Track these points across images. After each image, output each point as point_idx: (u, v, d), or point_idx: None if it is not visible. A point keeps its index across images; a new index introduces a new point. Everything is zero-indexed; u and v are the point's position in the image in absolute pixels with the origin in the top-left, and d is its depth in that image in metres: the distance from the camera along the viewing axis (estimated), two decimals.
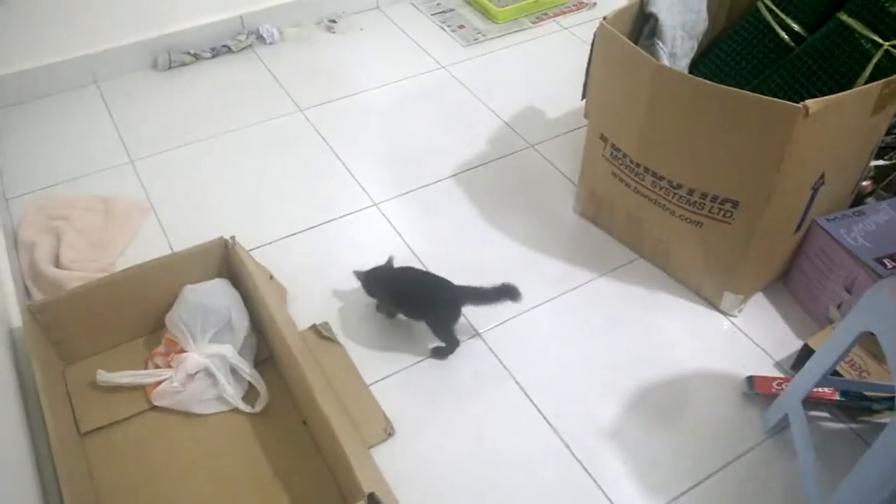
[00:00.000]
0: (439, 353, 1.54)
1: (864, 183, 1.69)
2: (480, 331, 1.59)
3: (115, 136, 2.07)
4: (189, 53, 2.32)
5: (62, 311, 1.41)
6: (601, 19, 1.53)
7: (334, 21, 2.53)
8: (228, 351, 1.40)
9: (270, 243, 1.78)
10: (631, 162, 1.58)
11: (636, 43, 1.64)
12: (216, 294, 1.45)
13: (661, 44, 1.63)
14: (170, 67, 2.30)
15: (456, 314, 1.52)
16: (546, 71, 2.36)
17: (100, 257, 1.68)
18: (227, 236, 1.52)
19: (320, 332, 1.55)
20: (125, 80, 2.26)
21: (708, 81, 1.34)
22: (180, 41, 2.32)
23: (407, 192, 1.93)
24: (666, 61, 1.63)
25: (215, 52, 2.36)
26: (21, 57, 2.13)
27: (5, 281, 1.56)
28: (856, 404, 1.38)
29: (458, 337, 1.53)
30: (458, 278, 1.54)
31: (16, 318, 1.49)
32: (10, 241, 1.72)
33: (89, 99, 2.20)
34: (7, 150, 2.02)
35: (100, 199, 1.87)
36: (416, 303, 1.54)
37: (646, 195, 1.60)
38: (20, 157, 2.00)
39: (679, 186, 1.51)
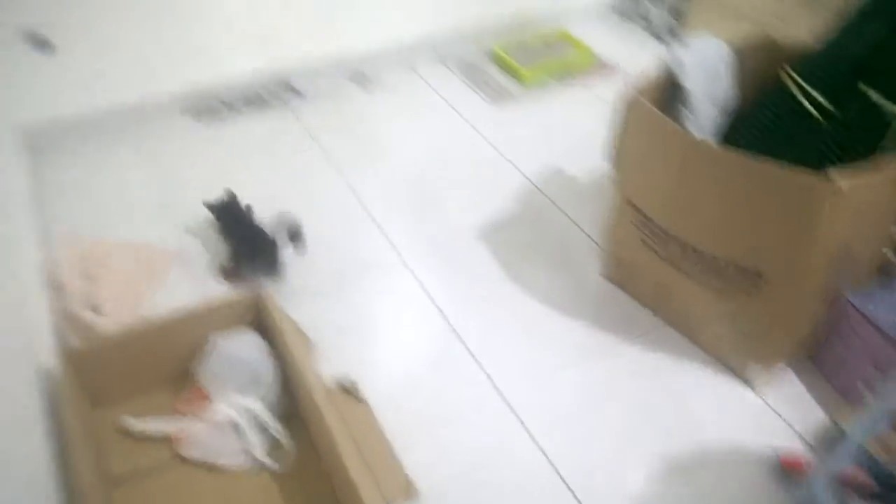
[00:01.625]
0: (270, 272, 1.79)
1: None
2: (502, 391, 1.59)
3: (149, 183, 2.12)
4: (225, 104, 2.38)
5: (94, 356, 1.43)
6: (629, 87, 1.56)
7: (366, 77, 2.60)
8: (255, 404, 1.41)
9: (299, 296, 1.80)
10: (658, 229, 1.60)
11: (664, 110, 1.67)
12: (246, 346, 1.47)
13: (688, 113, 1.67)
14: (206, 117, 2.36)
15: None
16: (572, 132, 2.40)
17: (131, 303, 1.71)
18: (257, 288, 1.55)
19: (346, 390, 1.56)
20: (162, 128, 2.32)
21: (736, 153, 1.37)
22: (217, 92, 2.39)
23: (433, 249, 1.95)
24: (694, 131, 1.66)
25: (249, 103, 2.42)
26: (65, 103, 2.20)
27: (41, 322, 1.59)
28: (888, 487, 1.36)
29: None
30: (483, 337, 1.55)
31: (48, 359, 1.51)
32: (47, 283, 1.75)
33: (127, 145, 2.26)
34: (49, 193, 2.07)
35: (133, 245, 1.91)
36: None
37: (673, 263, 1.61)
38: (61, 201, 2.05)
39: (706, 255, 1.52)
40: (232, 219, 1.90)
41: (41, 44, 2.04)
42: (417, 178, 2.19)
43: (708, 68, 1.68)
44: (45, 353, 1.53)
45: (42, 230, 1.93)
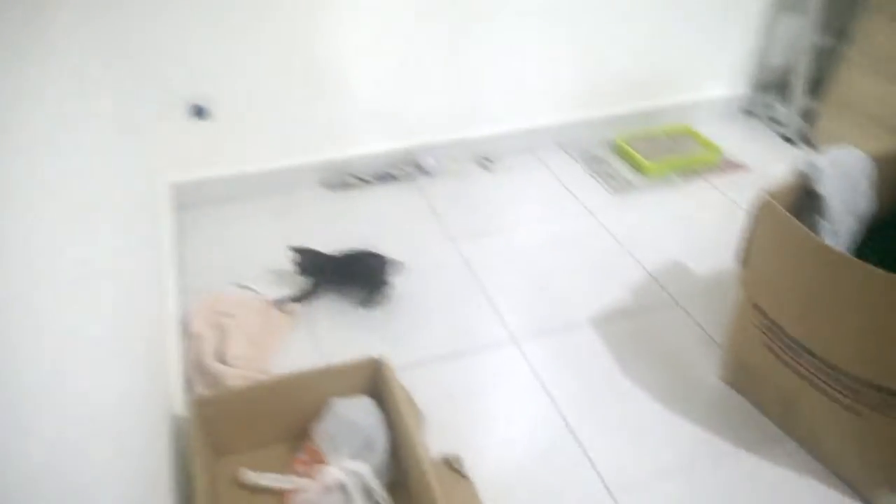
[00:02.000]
0: (367, 303, 2.02)
1: None
2: (611, 489, 1.56)
3: (281, 244, 2.24)
4: (357, 177, 2.52)
5: (221, 406, 1.51)
6: (763, 191, 1.55)
7: (490, 160, 2.69)
8: (366, 470, 1.44)
9: (411, 366, 1.84)
10: (787, 337, 1.55)
11: (798, 217, 1.64)
12: (362, 412, 1.51)
13: (824, 222, 1.63)
14: (339, 188, 2.50)
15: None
16: (694, 228, 2.39)
17: (258, 357, 1.80)
18: (378, 355, 1.60)
19: (451, 465, 1.57)
20: (299, 195, 2.48)
21: (877, 269, 1.32)
22: (350, 166, 2.53)
23: (546, 334, 1.96)
24: (830, 241, 1.62)
25: (380, 178, 2.55)
26: (213, 166, 2.38)
27: (174, 370, 1.69)
28: None
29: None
30: (594, 430, 1.53)
31: (178, 407, 1.60)
32: (181, 333, 1.87)
33: (264, 207, 2.42)
34: (190, 246, 2.23)
35: (262, 300, 2.01)
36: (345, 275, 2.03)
37: (801, 374, 1.55)
38: (199, 254, 2.21)
39: (839, 370, 1.46)
40: (312, 258, 2.05)
41: (199, 111, 2.23)
42: (534, 261, 2.22)
43: (845, 177, 1.65)
44: (176, 400, 1.62)
45: (181, 281, 2.08)
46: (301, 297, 2.03)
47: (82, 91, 1.48)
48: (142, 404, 1.30)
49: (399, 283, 2.08)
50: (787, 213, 1.48)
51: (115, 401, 1.11)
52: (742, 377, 1.76)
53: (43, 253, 0.92)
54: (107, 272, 1.30)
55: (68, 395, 0.88)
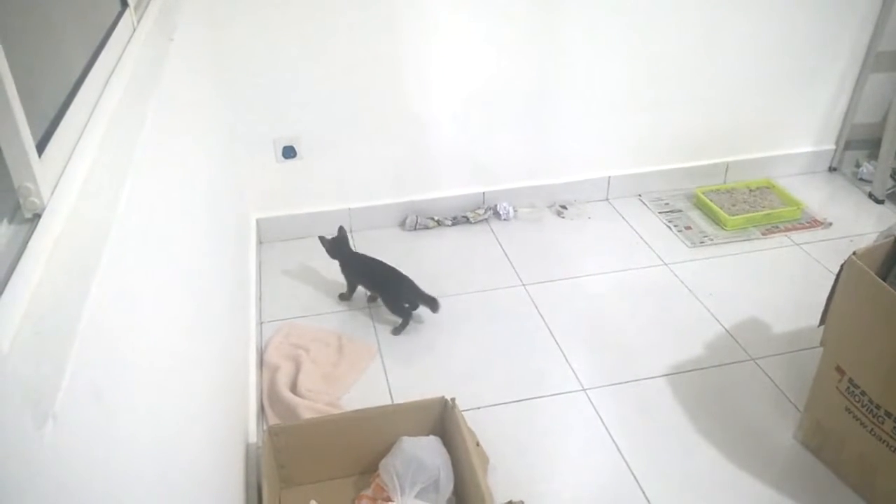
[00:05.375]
0: (396, 330, 2.09)
1: None
2: None
3: None
4: (433, 219, 2.57)
5: (294, 437, 1.55)
6: (851, 254, 1.51)
7: (565, 207, 2.70)
8: None
9: (479, 408, 1.85)
10: (870, 402, 1.50)
11: (885, 279, 1.59)
12: (431, 451, 1.52)
13: None
14: (415, 229, 2.56)
15: (403, 293, 2.11)
16: (773, 284, 2.33)
17: (330, 390, 1.84)
18: (447, 396, 1.61)
19: None
20: (375, 234, 2.55)
21: None
22: (427, 208, 2.59)
23: (616, 384, 1.94)
24: None
25: (455, 221, 2.60)
26: (294, 203, 2.48)
27: (251, 398, 1.75)
28: None
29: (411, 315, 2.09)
30: (663, 488, 1.49)
31: (252, 435, 1.65)
32: (258, 363, 1.94)
33: None
34: (267, 279, 2.32)
35: (336, 335, 2.07)
36: (380, 281, 2.15)
37: (884, 441, 1.49)
38: (276, 287, 2.29)
39: None
40: (340, 251, 2.21)
41: (288, 152, 2.34)
42: (605, 309, 2.21)
43: None
44: (251, 427, 1.68)
45: (259, 312, 2.15)
46: (399, 330, 2.10)
47: (198, 117, 1.58)
48: (221, 431, 1.35)
49: (468, 323, 2.10)
50: (875, 276, 1.45)
51: (197, 427, 1.16)
52: (820, 440, 1.70)
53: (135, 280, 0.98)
54: (203, 293, 1.37)
55: (162, 427, 0.93)
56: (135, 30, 1.27)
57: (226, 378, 1.50)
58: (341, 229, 2.23)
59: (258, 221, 2.47)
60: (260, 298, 2.22)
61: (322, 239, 2.20)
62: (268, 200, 2.46)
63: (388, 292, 2.14)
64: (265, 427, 1.56)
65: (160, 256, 1.08)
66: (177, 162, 1.34)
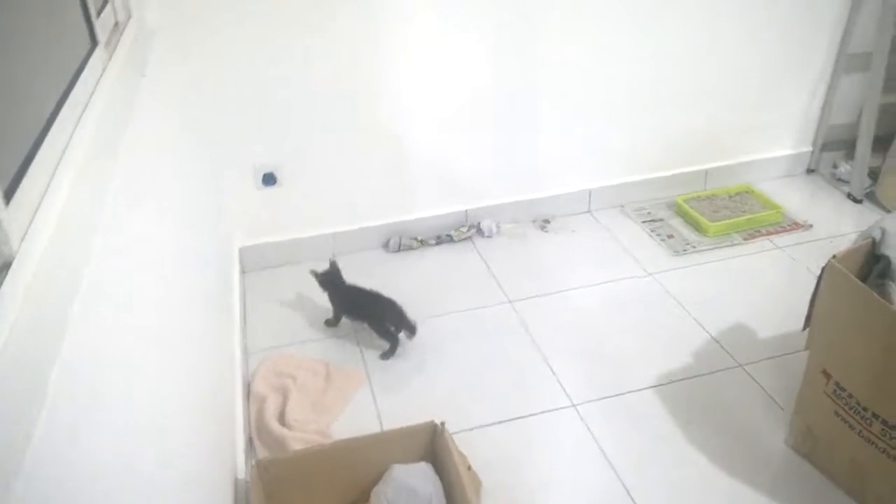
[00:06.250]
0: (384, 355, 2.07)
1: None
2: None
3: None
4: (416, 239, 2.57)
5: (283, 470, 1.53)
6: (831, 257, 1.52)
7: (548, 221, 2.71)
8: None
9: (470, 430, 1.84)
10: (858, 405, 1.50)
11: (865, 281, 1.60)
12: (422, 478, 1.51)
13: (894, 286, 1.59)
14: (398, 250, 2.55)
15: (387, 317, 2.09)
16: (758, 289, 2.34)
17: (318, 420, 1.83)
18: (437, 421, 1.60)
19: None
20: (359, 257, 2.53)
21: None
22: (410, 228, 2.58)
23: (605, 397, 1.94)
24: None
25: (439, 241, 2.59)
26: (277, 230, 2.47)
27: (239, 431, 1.73)
28: None
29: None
30: (654, 498, 1.49)
31: (240, 469, 1.63)
32: (244, 395, 1.92)
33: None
34: (252, 308, 2.30)
35: (323, 363, 2.05)
36: (366, 311, 2.14)
37: (873, 442, 1.49)
38: (261, 316, 2.27)
39: None
40: (333, 284, 2.19)
41: (268, 179, 2.33)
42: (592, 322, 2.21)
43: None
44: (239, 461, 1.65)
45: (244, 342, 2.14)
46: (388, 355, 2.09)
47: (174, 151, 1.58)
48: (207, 467, 1.34)
49: (455, 344, 2.10)
50: (855, 279, 1.46)
51: (182, 462, 1.15)
52: (810, 444, 1.70)
53: (120, 312, 0.97)
54: (185, 330, 1.35)
55: (141, 458, 0.91)
56: (105, 68, 1.26)
57: (211, 412, 1.49)
58: (333, 263, 2.21)
59: (241, 250, 2.45)
60: (245, 328, 2.20)
61: (314, 273, 2.18)
62: (250, 229, 2.45)
63: (373, 319, 2.12)
64: (254, 461, 1.54)
65: (136, 296, 1.07)
66: (151, 199, 1.33)
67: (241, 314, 2.21)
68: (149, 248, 1.21)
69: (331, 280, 2.18)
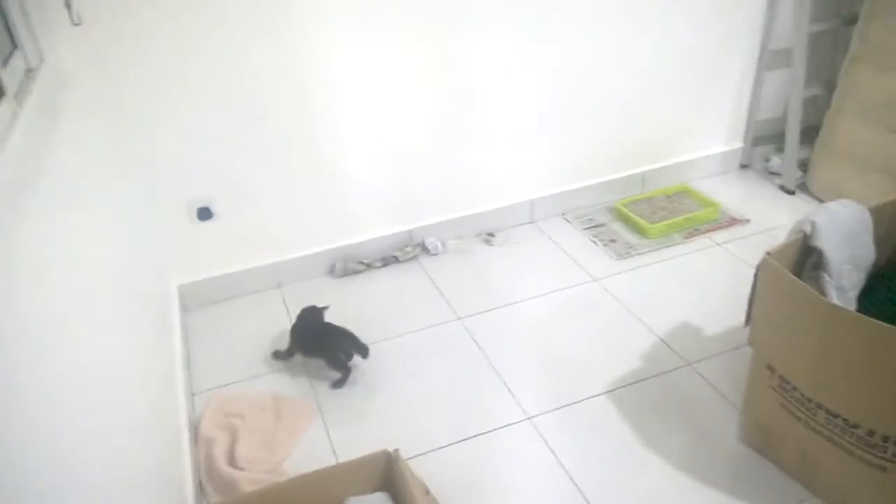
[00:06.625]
0: (336, 384, 2.05)
1: None
2: None
3: (287, 337, 2.25)
4: (362, 263, 2.55)
5: None
6: (766, 254, 1.55)
7: (492, 234, 2.71)
8: None
9: (426, 453, 1.82)
10: (802, 396, 1.53)
11: (801, 274, 1.64)
12: None
13: (827, 277, 1.62)
14: (344, 275, 2.52)
15: (339, 346, 2.07)
16: (700, 287, 2.38)
17: (269, 457, 1.78)
18: (390, 448, 1.58)
19: None
20: (304, 285, 2.50)
21: (882, 324, 1.31)
22: (354, 252, 2.56)
23: (560, 407, 1.94)
24: (833, 295, 1.61)
25: (385, 262, 2.57)
26: (216, 264, 2.42)
27: (187, 476, 1.68)
28: None
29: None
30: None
31: None
32: (191, 437, 1.86)
33: (271, 301, 2.44)
34: (196, 347, 2.25)
35: (272, 397, 2.01)
36: (315, 345, 2.11)
37: (819, 432, 1.52)
38: (206, 355, 2.21)
39: (857, 427, 1.43)
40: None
41: (203, 213, 2.28)
42: (542, 333, 2.21)
43: (844, 230, 1.65)
44: None
45: (188, 383, 2.08)
46: (340, 384, 2.06)
47: (96, 197, 1.52)
48: None
49: (406, 366, 2.08)
50: (790, 274, 1.48)
51: None
52: (761, 438, 1.73)
53: (49, 359, 0.93)
54: (120, 378, 1.31)
55: None
56: (14, 119, 1.21)
57: (155, 461, 1.44)
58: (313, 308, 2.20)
59: (181, 288, 2.39)
60: (189, 368, 2.14)
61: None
62: (189, 265, 2.39)
63: (324, 352, 2.09)
64: None
65: (58, 356, 1.03)
66: (70, 252, 1.28)
67: (183, 355, 2.14)
68: (66, 305, 1.16)
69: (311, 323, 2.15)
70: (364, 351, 2.08)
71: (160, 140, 2.15)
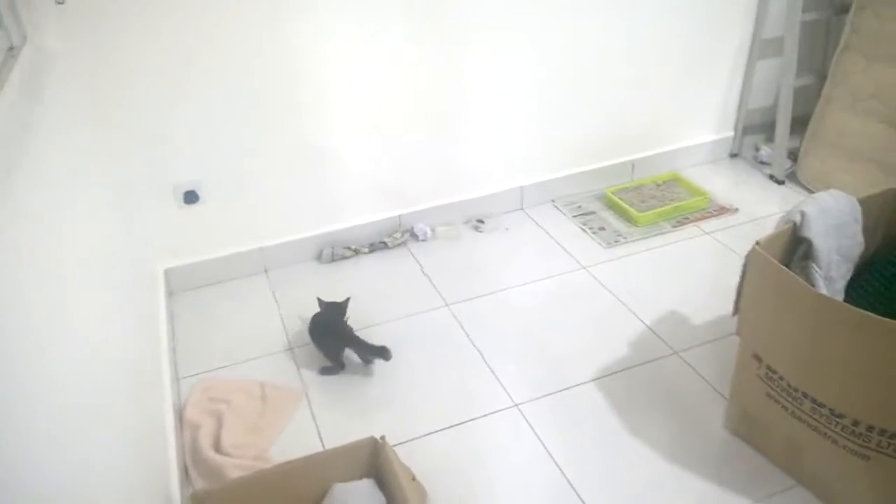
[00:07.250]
0: (324, 371, 2.04)
1: None
2: None
3: (278, 323, 2.24)
4: (350, 248, 2.53)
5: (221, 499, 1.48)
6: (755, 243, 1.54)
7: (482, 221, 2.70)
8: None
9: (413, 439, 1.81)
10: (788, 385, 1.53)
11: (789, 264, 1.64)
12: (365, 496, 1.48)
13: (815, 267, 1.63)
14: (332, 260, 2.51)
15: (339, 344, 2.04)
16: (689, 275, 2.38)
17: (256, 443, 1.77)
18: (377, 435, 1.57)
19: None
20: (292, 271, 2.48)
21: (870, 314, 1.31)
22: (342, 237, 2.54)
23: (547, 395, 1.94)
24: (821, 285, 1.61)
25: (373, 248, 2.56)
26: (203, 248, 2.39)
27: (172, 463, 1.67)
28: None
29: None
30: (601, 493, 1.49)
31: (176, 501, 1.57)
32: (177, 422, 1.85)
33: (258, 286, 2.42)
34: (181, 332, 2.23)
35: (258, 383, 2.00)
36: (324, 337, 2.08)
37: (805, 421, 1.53)
38: (192, 339, 2.20)
39: (842, 416, 1.44)
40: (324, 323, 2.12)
41: (190, 197, 2.26)
42: (530, 320, 2.21)
43: (833, 221, 1.65)
44: (174, 494, 1.59)
45: (174, 368, 2.06)
46: (328, 372, 2.04)
47: (80, 181, 1.50)
48: (139, 502, 1.28)
49: (394, 352, 2.07)
50: (778, 264, 1.48)
51: (109, 500, 1.09)
52: (748, 427, 1.74)
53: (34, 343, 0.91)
54: (105, 361, 1.29)
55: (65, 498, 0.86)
56: None
57: (139, 446, 1.43)
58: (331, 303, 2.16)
59: (167, 272, 2.37)
60: (174, 353, 2.13)
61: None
62: (176, 249, 2.37)
63: (329, 348, 2.06)
64: (190, 492, 1.49)
65: (42, 345, 1.01)
66: (53, 236, 1.26)
67: (169, 339, 2.13)
68: (48, 288, 1.15)
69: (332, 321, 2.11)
70: (383, 354, 2.01)
71: (146, 122, 2.12)
